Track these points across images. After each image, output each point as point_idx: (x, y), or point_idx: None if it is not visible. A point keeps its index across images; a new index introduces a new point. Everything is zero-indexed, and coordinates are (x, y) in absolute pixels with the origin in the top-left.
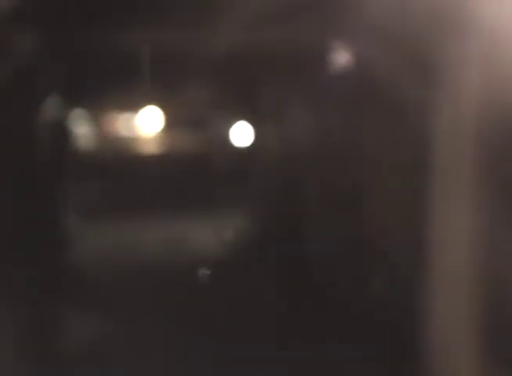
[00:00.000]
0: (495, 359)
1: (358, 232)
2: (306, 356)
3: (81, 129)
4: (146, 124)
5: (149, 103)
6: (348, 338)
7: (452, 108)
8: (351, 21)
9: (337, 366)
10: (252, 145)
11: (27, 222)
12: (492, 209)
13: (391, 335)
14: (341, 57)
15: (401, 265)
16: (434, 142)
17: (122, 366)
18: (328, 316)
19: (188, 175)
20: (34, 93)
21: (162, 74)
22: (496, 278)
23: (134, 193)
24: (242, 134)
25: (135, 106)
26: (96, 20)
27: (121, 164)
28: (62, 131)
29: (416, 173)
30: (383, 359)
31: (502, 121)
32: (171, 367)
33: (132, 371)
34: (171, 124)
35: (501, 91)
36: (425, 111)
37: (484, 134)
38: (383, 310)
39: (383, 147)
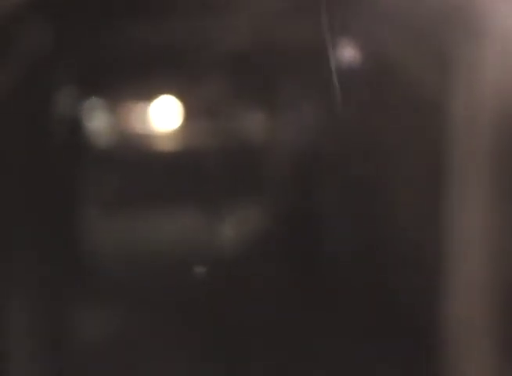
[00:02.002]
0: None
1: (372, 229)
2: (318, 349)
3: (96, 121)
4: (164, 115)
5: (167, 94)
6: (361, 335)
7: (466, 108)
8: (364, 16)
9: (349, 362)
10: (270, 138)
11: (41, 216)
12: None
13: (406, 334)
14: (354, 53)
15: (416, 263)
16: (448, 142)
17: (135, 360)
18: (339, 312)
19: (205, 168)
20: (47, 84)
21: (181, 65)
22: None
23: (151, 186)
24: (258, 126)
25: (152, 97)
26: (111, 9)
27: (139, 156)
28: (76, 123)
29: (432, 173)
30: (396, 358)
31: None
32: (184, 364)
33: (145, 366)
34: (189, 115)
35: None
36: (439, 111)
37: (498, 134)
38: (397, 310)
39: (396, 145)
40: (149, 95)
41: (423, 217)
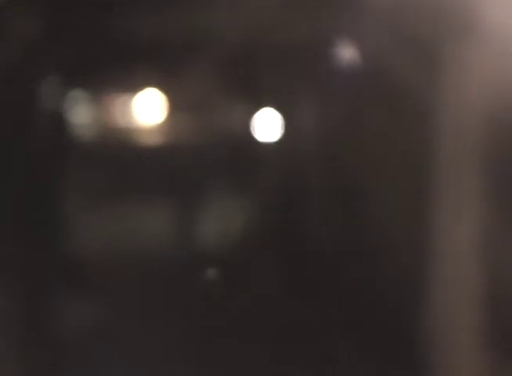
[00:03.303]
0: (496, 353)
1: (358, 229)
2: (303, 346)
3: (80, 114)
4: (148, 109)
5: (152, 87)
6: (349, 334)
7: (455, 111)
8: (358, 16)
9: (335, 357)
10: (254, 133)
11: (24, 210)
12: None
13: (391, 330)
14: (348, 52)
15: (403, 263)
16: (437, 145)
17: (120, 355)
18: (324, 308)
19: (191, 164)
20: (30, 77)
21: (167, 58)
22: (498, 275)
23: (135, 180)
24: (243, 120)
25: (136, 90)
26: (96, 1)
27: (122, 150)
28: (59, 116)
29: (419, 175)
30: (380, 354)
31: (507, 124)
32: (171, 358)
33: (131, 361)
34: (173, 109)
35: (505, 94)
36: (428, 113)
37: (488, 138)
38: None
39: (386, 148)
40: (133, 88)
41: (409, 217)
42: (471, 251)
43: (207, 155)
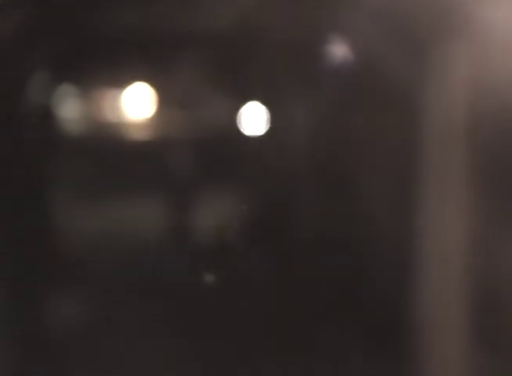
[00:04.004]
0: (482, 341)
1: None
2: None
3: (69, 108)
4: (137, 104)
5: (141, 82)
6: (338, 319)
7: (444, 107)
8: (349, 12)
9: (324, 343)
10: (249, 129)
11: (13, 203)
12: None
13: (379, 317)
14: (337, 48)
15: (390, 254)
16: (425, 140)
17: (109, 351)
18: (312, 297)
19: (180, 158)
20: (19, 71)
21: (155, 53)
22: (486, 265)
23: (124, 174)
24: (231, 115)
25: (124, 85)
26: None
27: (111, 144)
28: (48, 111)
29: (407, 169)
30: (370, 340)
31: (493, 121)
32: (160, 353)
33: (119, 357)
34: (162, 104)
35: (493, 92)
36: (417, 108)
37: (475, 134)
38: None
39: (374, 143)
40: (122, 83)
41: (397, 209)
42: (459, 243)
43: (196, 149)
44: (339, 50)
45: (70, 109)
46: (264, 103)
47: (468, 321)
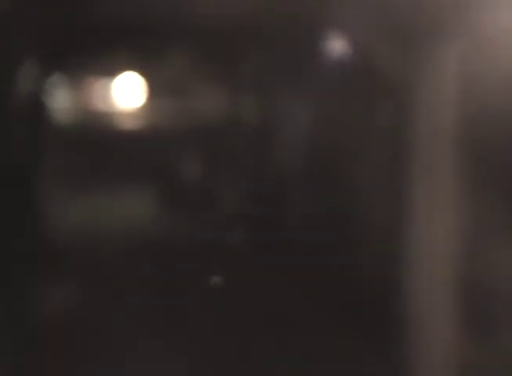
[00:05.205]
0: (470, 330)
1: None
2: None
3: (59, 97)
4: (127, 93)
5: (131, 71)
6: (328, 311)
7: (434, 103)
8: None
9: (316, 332)
10: (234, 116)
11: (3, 194)
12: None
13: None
14: (329, 41)
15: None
16: (413, 136)
17: (100, 341)
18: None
19: (169, 147)
20: (9, 60)
21: (146, 40)
22: (472, 258)
23: (114, 163)
24: (222, 104)
25: (115, 74)
26: None
27: (102, 134)
28: (38, 100)
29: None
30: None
31: (483, 118)
32: (150, 344)
33: (110, 347)
34: (152, 93)
35: (482, 89)
36: (407, 105)
37: (465, 132)
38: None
39: (364, 138)
40: (112, 72)
41: (386, 203)
42: (447, 235)
43: (186, 138)
44: (329, 44)
45: (59, 98)
46: (256, 93)
47: (456, 311)
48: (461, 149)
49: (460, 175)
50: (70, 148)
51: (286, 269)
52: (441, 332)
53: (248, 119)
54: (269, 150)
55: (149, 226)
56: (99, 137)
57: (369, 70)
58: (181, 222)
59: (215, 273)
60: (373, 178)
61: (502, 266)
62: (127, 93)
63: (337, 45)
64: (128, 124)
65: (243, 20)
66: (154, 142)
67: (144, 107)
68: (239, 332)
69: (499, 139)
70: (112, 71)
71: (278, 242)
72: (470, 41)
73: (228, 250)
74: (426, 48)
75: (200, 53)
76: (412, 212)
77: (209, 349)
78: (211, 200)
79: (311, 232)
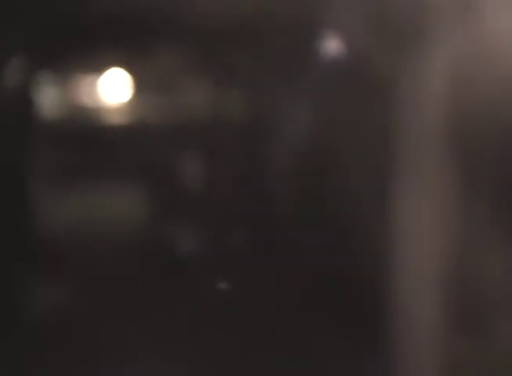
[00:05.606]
0: (457, 326)
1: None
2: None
3: (46, 93)
4: (114, 89)
5: (118, 67)
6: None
7: (422, 102)
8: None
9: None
10: (220, 112)
11: None
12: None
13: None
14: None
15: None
16: (398, 130)
17: (88, 337)
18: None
19: (157, 143)
20: None
21: (132, 36)
22: (459, 251)
23: (101, 159)
24: (208, 100)
25: (102, 70)
26: None
27: (90, 130)
28: (25, 96)
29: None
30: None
31: (471, 118)
32: (140, 340)
33: (99, 343)
34: (140, 89)
35: (471, 89)
36: (395, 103)
37: (453, 130)
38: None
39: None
40: (100, 68)
41: (373, 196)
42: (433, 228)
43: (173, 134)
44: (319, 42)
45: (47, 94)
46: (244, 89)
47: (444, 309)
48: (448, 148)
49: (447, 173)
50: (59, 145)
51: (272, 268)
52: (428, 331)
53: (239, 116)
54: (258, 146)
55: (138, 223)
56: (89, 133)
57: (359, 68)
58: (171, 218)
59: (206, 269)
60: (359, 177)
61: (489, 264)
62: (115, 89)
63: (325, 43)
64: (118, 121)
65: (231, 17)
66: (144, 138)
67: (133, 103)
68: (234, 331)
69: (486, 138)
70: (100, 67)
71: (263, 240)
72: (460, 42)
73: (216, 245)
74: (415, 49)
75: (190, 49)
76: (398, 211)
77: (205, 348)
78: (202, 196)
79: (295, 232)
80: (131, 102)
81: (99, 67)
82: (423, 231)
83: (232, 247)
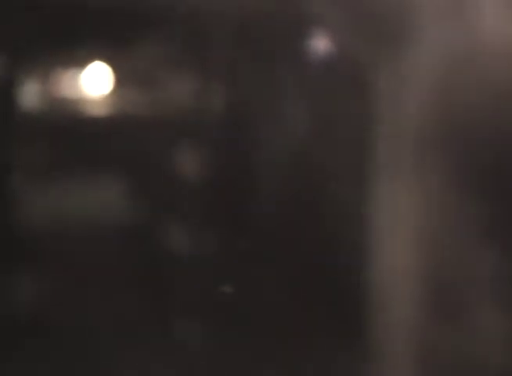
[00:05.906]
0: (437, 316)
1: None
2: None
3: (27, 87)
4: (95, 82)
5: (99, 60)
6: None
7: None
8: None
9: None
10: (203, 105)
11: None
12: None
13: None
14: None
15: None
16: (374, 121)
17: (70, 333)
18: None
19: (139, 136)
20: None
21: (114, 29)
22: (436, 242)
23: (83, 152)
24: (191, 93)
25: (84, 64)
26: None
27: (71, 123)
28: (7, 90)
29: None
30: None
31: (456, 118)
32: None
33: (80, 338)
34: (121, 82)
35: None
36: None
37: (436, 132)
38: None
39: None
40: (81, 62)
41: (351, 189)
42: (410, 224)
43: (155, 128)
44: (305, 33)
45: (29, 88)
46: (226, 82)
47: (419, 298)
48: (431, 149)
49: (428, 173)
50: (42, 139)
51: (253, 258)
52: (404, 319)
53: (221, 110)
54: (239, 138)
55: (122, 216)
56: (69, 126)
57: (343, 68)
58: (155, 211)
59: (190, 265)
60: (339, 176)
61: (464, 254)
62: (98, 83)
63: (310, 42)
64: (102, 114)
65: (213, 10)
66: (128, 131)
67: (117, 96)
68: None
69: (469, 138)
70: (83, 61)
71: (244, 230)
72: (446, 42)
73: (199, 238)
74: (400, 49)
75: (171, 41)
76: (376, 208)
77: (200, 350)
78: (186, 189)
79: (275, 228)
80: (114, 95)
81: (82, 61)
82: (400, 228)
83: (221, 242)
